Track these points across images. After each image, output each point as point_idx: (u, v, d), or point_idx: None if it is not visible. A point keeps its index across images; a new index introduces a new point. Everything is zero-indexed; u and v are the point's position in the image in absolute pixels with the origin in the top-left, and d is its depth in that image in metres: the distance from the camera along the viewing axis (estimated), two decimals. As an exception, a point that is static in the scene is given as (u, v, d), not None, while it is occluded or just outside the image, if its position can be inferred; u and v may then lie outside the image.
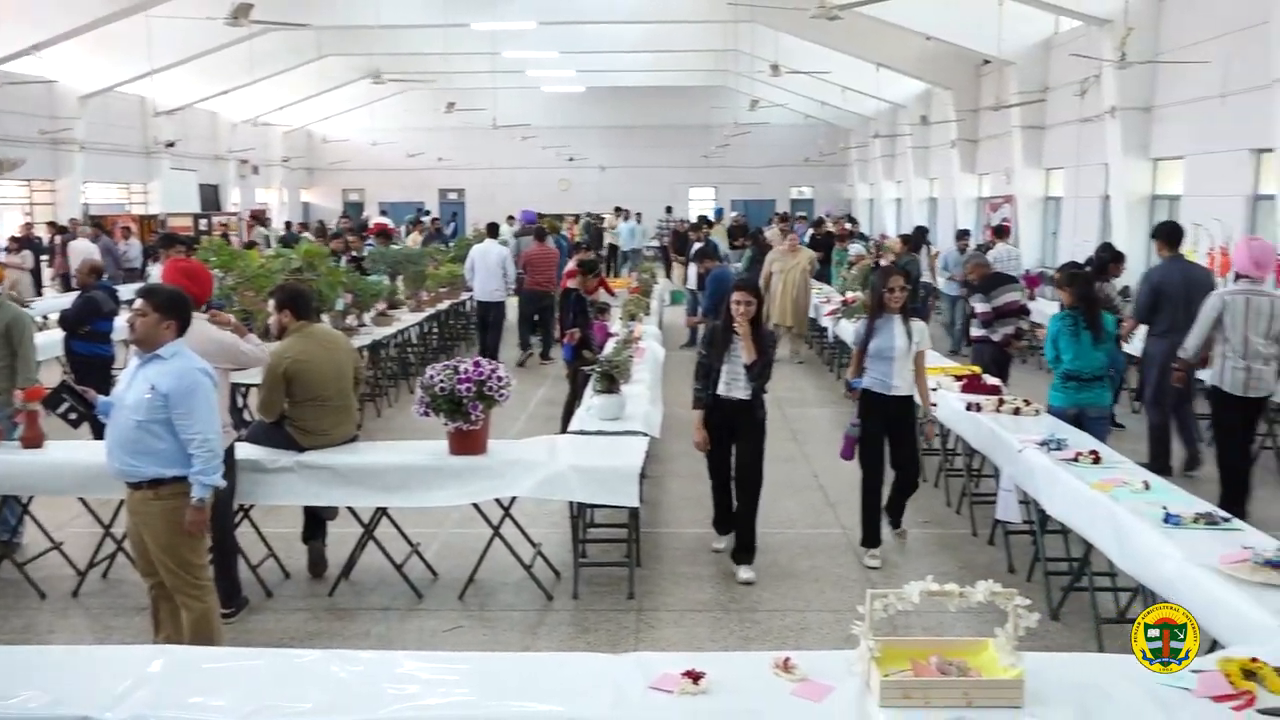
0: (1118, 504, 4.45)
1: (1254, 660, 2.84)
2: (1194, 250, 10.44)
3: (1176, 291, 7.49)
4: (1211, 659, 3.01)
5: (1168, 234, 7.84)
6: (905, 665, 2.86)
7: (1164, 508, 4.26)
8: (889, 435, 5.97)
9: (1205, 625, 3.60)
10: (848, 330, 10.98)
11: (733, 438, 5.80)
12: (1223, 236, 9.57)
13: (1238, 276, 6.59)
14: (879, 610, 2.85)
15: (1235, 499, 6.20)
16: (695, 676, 2.84)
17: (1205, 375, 6.77)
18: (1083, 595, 5.08)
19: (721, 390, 5.67)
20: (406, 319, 11.71)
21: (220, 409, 4.67)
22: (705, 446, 5.81)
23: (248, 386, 7.65)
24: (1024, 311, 8.54)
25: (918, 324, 5.95)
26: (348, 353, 5.71)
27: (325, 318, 9.21)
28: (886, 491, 6.15)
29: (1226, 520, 4.20)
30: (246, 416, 7.89)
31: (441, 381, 5.20)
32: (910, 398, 5.95)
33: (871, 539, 6.02)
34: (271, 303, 5.59)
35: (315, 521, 5.81)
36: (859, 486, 6.07)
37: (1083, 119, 15.53)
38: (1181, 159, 13.08)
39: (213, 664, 3.17)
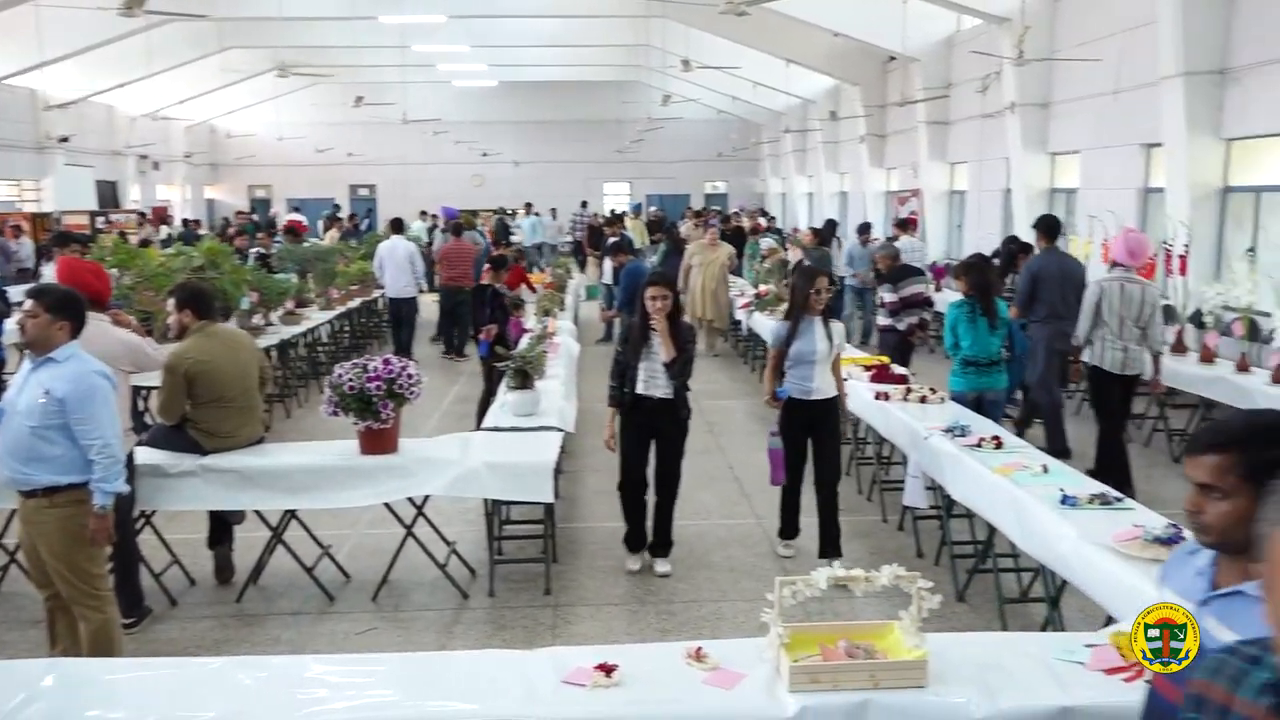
0: (1018, 487, 4.59)
1: (1143, 633, 2.95)
2: (1090, 241, 10.81)
3: (1054, 280, 7.94)
4: (1105, 633, 3.14)
5: (1047, 227, 8.30)
6: (815, 650, 2.91)
7: (1061, 490, 4.41)
8: (811, 437, 5.79)
9: (1100, 601, 3.76)
10: (761, 323, 11.12)
11: (653, 437, 5.63)
12: (1116, 228, 9.94)
13: (1114, 265, 7.12)
14: (788, 597, 2.89)
15: (1118, 474, 6.61)
16: (608, 669, 2.85)
17: (1085, 356, 7.20)
18: (987, 576, 5.24)
19: (641, 389, 5.50)
20: (316, 317, 11.48)
21: (121, 412, 4.52)
22: (613, 445, 5.65)
23: (148, 389, 7.41)
24: (928, 303, 8.81)
25: (837, 326, 5.83)
26: (252, 352, 5.57)
27: (233, 317, 8.99)
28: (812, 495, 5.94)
29: (1119, 500, 4.37)
30: (148, 420, 7.65)
31: (350, 380, 5.12)
32: (832, 400, 5.79)
33: (788, 532, 6.04)
34: (171, 302, 5.43)
35: (221, 526, 5.66)
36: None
37: (984, 115, 15.96)
38: (1077, 153, 13.53)
39: (111, 675, 3.07)
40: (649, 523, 5.79)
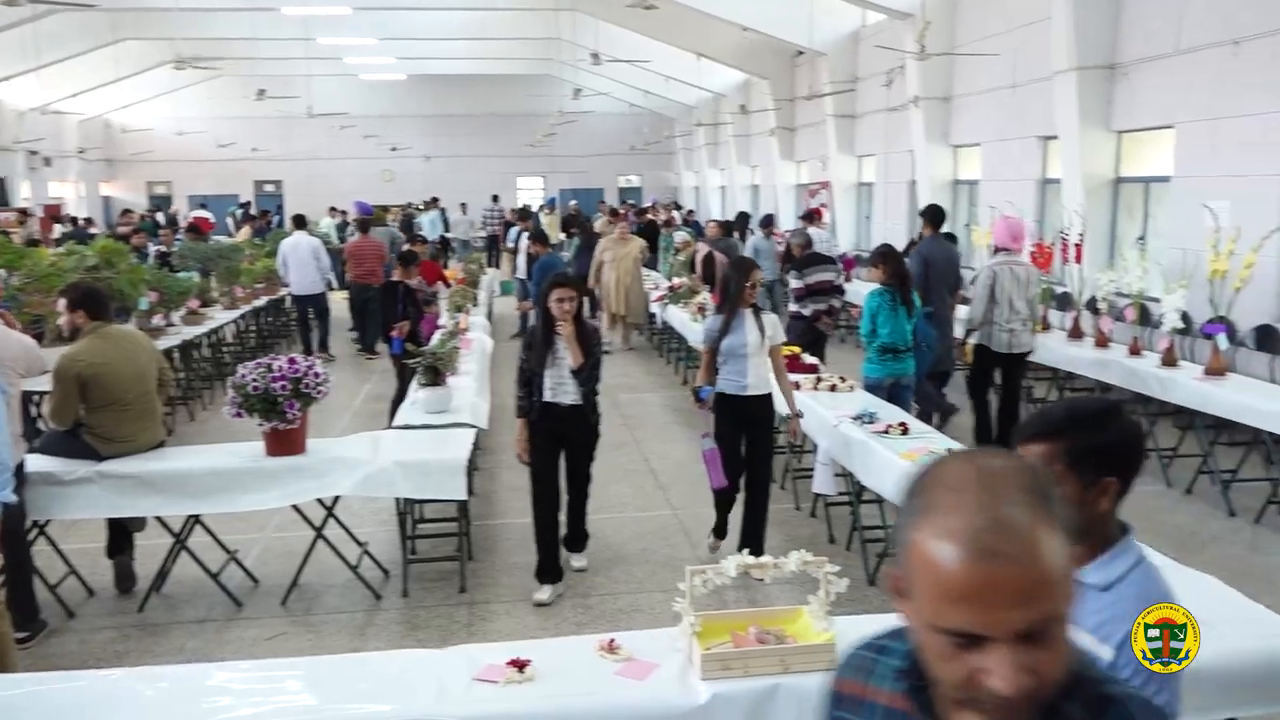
0: (923, 471, 4.70)
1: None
2: (991, 231, 11.09)
3: (941, 265, 8.34)
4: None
5: (932, 215, 8.75)
6: (726, 637, 2.95)
7: (964, 472, 4.53)
8: (746, 435, 5.54)
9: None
10: (675, 315, 11.17)
11: (563, 445, 5.35)
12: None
13: (997, 250, 7.59)
14: (698, 586, 2.92)
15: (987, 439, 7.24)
16: (520, 665, 2.84)
17: (973, 338, 7.63)
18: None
19: (548, 396, 5.21)
20: (220, 317, 11.19)
21: (13, 418, 4.34)
22: (525, 458, 5.32)
23: (40, 394, 7.12)
24: (837, 290, 9.01)
25: (770, 317, 5.54)
26: (150, 354, 5.40)
27: (133, 319, 8.71)
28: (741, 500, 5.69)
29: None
30: (41, 426, 7.34)
31: (254, 380, 4.99)
32: (766, 397, 5.54)
33: (720, 531, 5.84)
34: (63, 302, 5.22)
35: (121, 534, 5.47)
36: (702, 478, 5.77)
37: (890, 108, 16.29)
38: (978, 146, 13.90)
39: (4, 692, 2.94)
40: (563, 533, 5.54)
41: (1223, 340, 7.08)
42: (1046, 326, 9.15)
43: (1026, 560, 1.02)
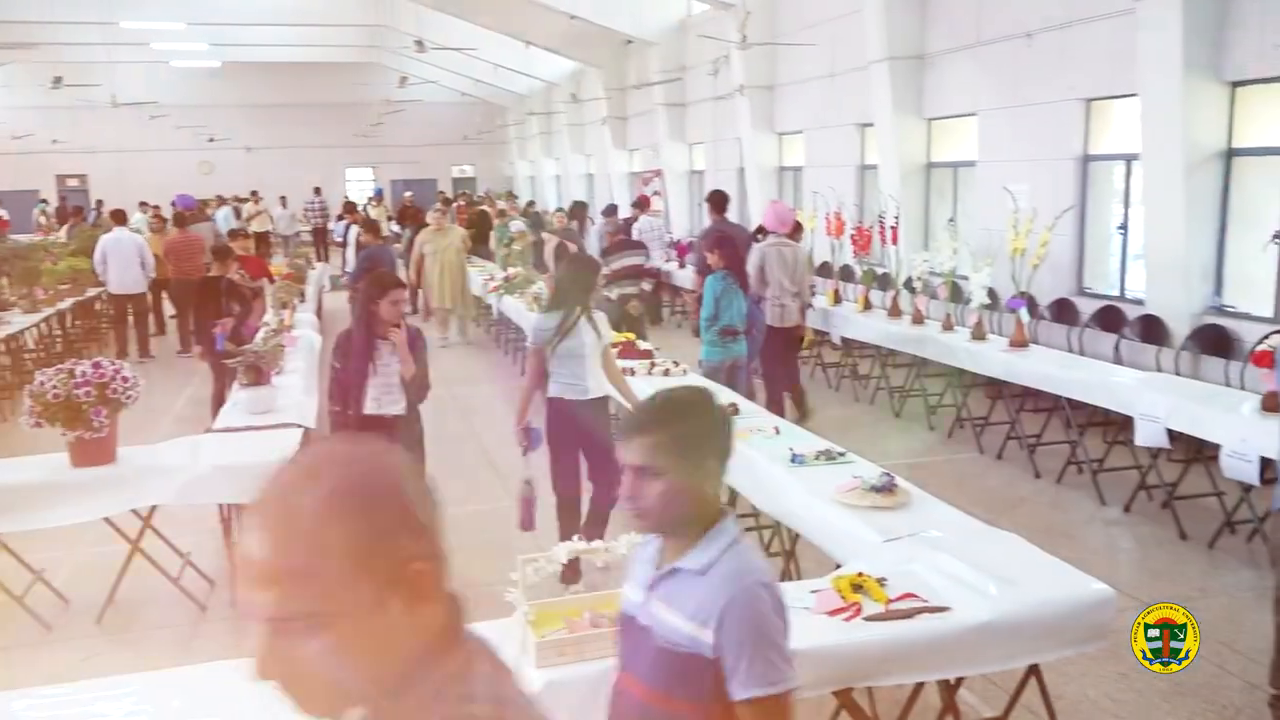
0: (753, 449, 4.84)
1: (860, 575, 3.21)
2: (815, 216, 11.49)
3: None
4: (828, 578, 3.37)
5: (716, 201, 9.40)
6: (561, 625, 2.95)
7: (790, 449, 4.70)
8: (583, 445, 5.20)
9: (828, 549, 4.03)
10: (511, 305, 11.09)
11: None
12: (836, 203, 10.66)
13: (767, 233, 8.29)
14: (531, 574, 2.92)
15: (779, 403, 7.80)
16: (350, 666, 2.76)
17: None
18: (731, 537, 5.48)
19: (371, 409, 4.83)
20: (19, 321, 10.42)
21: None
22: None
23: None
24: (649, 274, 9.29)
25: (599, 315, 5.31)
26: (-66, 363, 4.97)
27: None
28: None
29: (842, 455, 4.70)
30: None
31: (55, 387, 4.67)
32: (605, 399, 5.33)
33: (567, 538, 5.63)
34: None
35: (-92, 560, 5.03)
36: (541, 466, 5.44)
37: (717, 97, 16.62)
38: (801, 133, 14.37)
39: None
40: None
41: (1024, 314, 7.57)
42: (868, 305, 9.57)
43: (263, 548, 1.05)
